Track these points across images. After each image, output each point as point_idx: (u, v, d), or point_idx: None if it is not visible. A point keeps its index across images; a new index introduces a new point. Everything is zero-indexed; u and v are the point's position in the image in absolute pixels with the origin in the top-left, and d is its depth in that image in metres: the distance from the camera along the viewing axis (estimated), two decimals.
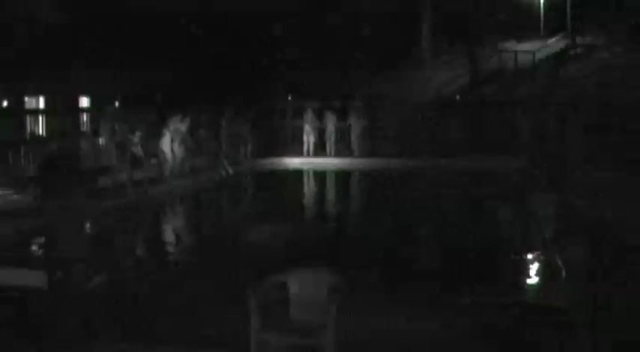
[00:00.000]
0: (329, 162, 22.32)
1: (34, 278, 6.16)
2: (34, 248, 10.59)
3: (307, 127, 22.89)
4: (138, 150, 16.35)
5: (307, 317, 5.52)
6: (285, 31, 30.52)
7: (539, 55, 30.70)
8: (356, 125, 23.01)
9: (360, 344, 5.85)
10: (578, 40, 31.64)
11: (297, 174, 21.33)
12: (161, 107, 21.39)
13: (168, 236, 12.90)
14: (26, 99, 23.16)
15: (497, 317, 6.61)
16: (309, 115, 23.04)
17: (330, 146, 23.05)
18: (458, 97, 29.25)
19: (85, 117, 20.54)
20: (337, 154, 22.86)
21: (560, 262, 8.60)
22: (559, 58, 30.88)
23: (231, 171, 19.50)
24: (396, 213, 14.34)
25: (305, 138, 22.94)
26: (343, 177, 21.24)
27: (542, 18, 33.68)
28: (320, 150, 23.04)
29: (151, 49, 25.66)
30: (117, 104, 23.73)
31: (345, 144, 23.21)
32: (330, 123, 23.05)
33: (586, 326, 5.58)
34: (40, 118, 19.10)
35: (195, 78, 26.83)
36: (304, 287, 5.68)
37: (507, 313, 6.75)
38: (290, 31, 30.36)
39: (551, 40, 32.58)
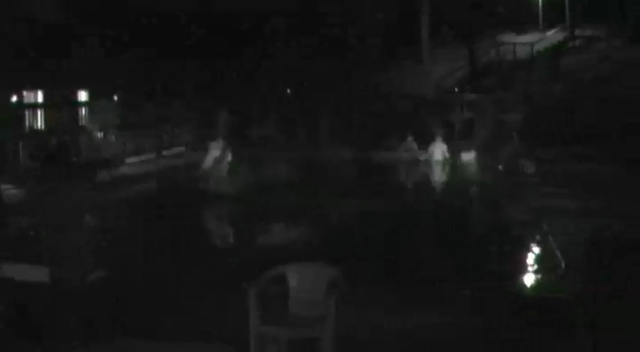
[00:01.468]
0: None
1: (36, 273, 6.20)
2: (34, 243, 10.60)
3: None
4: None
5: (306, 311, 5.55)
6: (283, 26, 30.39)
7: (537, 47, 30.67)
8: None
9: (358, 339, 5.88)
10: (577, 32, 31.62)
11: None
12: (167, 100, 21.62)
13: (168, 229, 12.89)
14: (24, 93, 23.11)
15: (497, 315, 6.64)
16: None
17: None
18: (456, 90, 29.27)
19: (83, 111, 20.50)
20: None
21: (559, 260, 8.63)
22: (557, 49, 30.87)
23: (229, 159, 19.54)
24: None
25: None
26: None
27: (540, 12, 33.69)
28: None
29: (156, 46, 25.69)
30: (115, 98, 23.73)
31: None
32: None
33: (586, 326, 5.60)
34: (39, 112, 19.07)
35: (187, 72, 26.82)
36: (303, 280, 5.70)
37: (507, 312, 6.78)
38: (290, 29, 30.24)
39: (550, 32, 32.56)
